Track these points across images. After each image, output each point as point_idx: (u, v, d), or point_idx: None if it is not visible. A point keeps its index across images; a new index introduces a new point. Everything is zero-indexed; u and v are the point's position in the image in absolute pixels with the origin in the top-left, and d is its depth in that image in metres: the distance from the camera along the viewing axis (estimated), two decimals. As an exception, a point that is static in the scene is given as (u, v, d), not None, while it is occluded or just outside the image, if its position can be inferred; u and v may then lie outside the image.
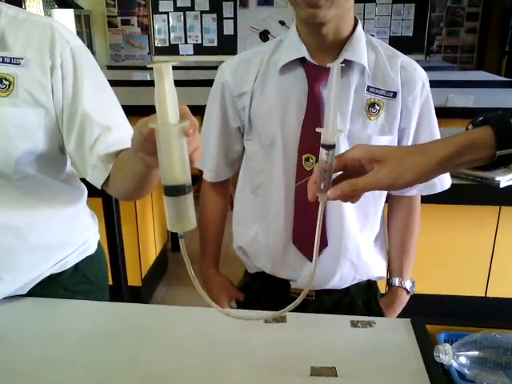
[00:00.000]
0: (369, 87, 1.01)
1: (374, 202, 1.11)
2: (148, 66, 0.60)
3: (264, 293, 1.18)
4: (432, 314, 0.95)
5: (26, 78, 0.88)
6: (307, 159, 1.03)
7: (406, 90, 1.02)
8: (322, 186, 0.73)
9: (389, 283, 1.23)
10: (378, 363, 0.81)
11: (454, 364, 0.75)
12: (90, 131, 0.92)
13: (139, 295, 2.47)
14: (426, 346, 0.82)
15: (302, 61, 1.01)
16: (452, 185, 1.84)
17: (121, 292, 2.22)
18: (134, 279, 2.40)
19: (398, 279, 1.21)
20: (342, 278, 1.11)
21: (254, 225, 1.15)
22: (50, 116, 0.92)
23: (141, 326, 0.93)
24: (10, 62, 0.88)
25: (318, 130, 0.73)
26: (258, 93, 1.04)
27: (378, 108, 1.01)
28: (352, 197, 0.73)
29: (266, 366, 0.81)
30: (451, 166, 0.70)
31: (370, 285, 1.20)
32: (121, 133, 0.94)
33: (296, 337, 0.88)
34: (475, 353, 0.75)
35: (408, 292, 1.21)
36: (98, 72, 0.98)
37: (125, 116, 1.00)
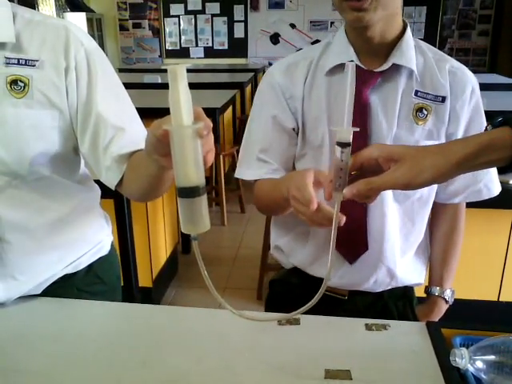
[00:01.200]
0: (417, 91, 1.00)
1: (421, 208, 1.08)
2: (162, 67, 0.61)
3: (300, 287, 1.16)
4: (444, 318, 0.94)
5: (41, 79, 0.89)
6: None
7: (455, 94, 1.01)
8: (338, 185, 0.73)
9: (428, 292, 1.20)
10: (393, 367, 0.80)
11: (471, 368, 0.74)
12: (103, 132, 0.93)
13: (150, 296, 2.48)
14: (442, 350, 0.81)
15: None
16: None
17: (132, 293, 2.23)
18: (144, 280, 2.41)
19: (438, 288, 1.18)
20: (377, 282, 1.10)
21: (294, 225, 1.14)
22: (65, 117, 0.93)
23: (155, 327, 0.93)
24: (26, 64, 0.88)
25: (332, 128, 0.72)
26: (308, 96, 1.04)
27: (425, 113, 1.00)
28: (368, 196, 0.73)
29: (280, 368, 0.81)
30: (469, 166, 0.69)
31: (407, 291, 1.18)
32: (134, 134, 0.95)
33: (310, 339, 0.88)
34: (492, 357, 0.74)
35: (447, 302, 1.19)
36: (112, 73, 0.98)
37: (138, 117, 1.00)
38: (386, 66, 0.98)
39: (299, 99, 1.04)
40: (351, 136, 0.71)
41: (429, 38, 7.02)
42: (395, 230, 1.07)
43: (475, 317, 2.11)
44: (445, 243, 1.17)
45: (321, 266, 1.11)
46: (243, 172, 1.09)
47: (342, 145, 0.71)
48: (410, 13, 6.98)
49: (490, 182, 1.09)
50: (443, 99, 1.00)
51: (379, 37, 0.97)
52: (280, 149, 1.06)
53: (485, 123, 1.05)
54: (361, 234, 1.06)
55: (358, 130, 0.99)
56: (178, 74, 0.59)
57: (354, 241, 1.06)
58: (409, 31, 1.01)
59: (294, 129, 1.06)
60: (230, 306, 0.77)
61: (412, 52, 0.99)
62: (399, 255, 1.09)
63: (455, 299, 2.12)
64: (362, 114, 0.99)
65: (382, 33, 0.97)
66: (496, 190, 1.11)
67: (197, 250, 0.69)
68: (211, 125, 0.63)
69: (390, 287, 1.13)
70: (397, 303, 1.16)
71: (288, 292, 1.20)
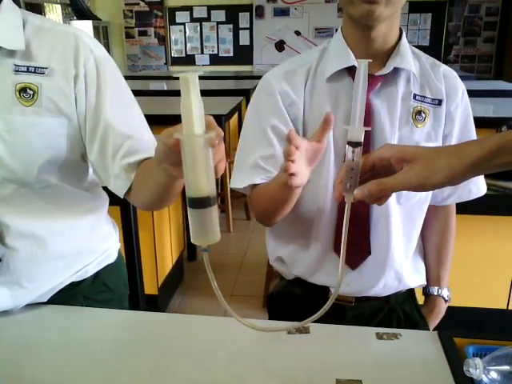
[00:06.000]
0: (415, 95, 1.02)
1: (420, 209, 1.09)
2: (174, 75, 0.60)
3: (303, 298, 1.16)
4: (452, 326, 0.93)
5: (50, 87, 0.89)
6: None
7: (450, 97, 1.03)
8: (348, 186, 0.72)
9: (426, 292, 1.22)
10: (405, 376, 0.79)
11: (485, 379, 0.73)
12: (112, 141, 0.92)
13: (156, 304, 2.47)
14: (455, 360, 0.80)
15: (349, 69, 1.00)
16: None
17: (137, 300, 2.22)
18: (150, 288, 2.40)
19: (435, 288, 1.20)
20: (386, 286, 1.10)
21: (294, 235, 1.13)
22: (73, 125, 0.92)
23: (162, 335, 0.92)
24: (35, 72, 0.88)
25: (345, 127, 0.72)
26: (309, 103, 1.03)
27: (424, 116, 1.02)
28: (379, 198, 0.71)
29: (290, 377, 0.79)
30: (484, 168, 0.67)
31: (410, 293, 1.19)
32: (143, 142, 0.94)
33: (320, 348, 0.87)
34: (506, 367, 0.73)
35: (446, 301, 1.20)
36: (121, 81, 0.98)
37: (147, 125, 1.00)
38: (387, 70, 0.99)
39: (300, 106, 1.03)
40: (363, 135, 0.70)
41: (434, 44, 7.01)
42: (399, 233, 1.07)
43: (484, 325, 2.09)
44: (439, 243, 1.19)
45: (324, 274, 1.10)
46: (240, 180, 1.05)
47: (354, 144, 0.70)
48: (415, 20, 6.97)
49: (479, 181, 1.11)
50: (440, 102, 1.02)
51: (381, 39, 0.98)
52: (280, 158, 1.03)
53: (473, 125, 1.09)
54: (364, 239, 1.05)
55: (369, 129, 0.99)
56: (190, 82, 0.58)
57: (356, 245, 1.05)
58: (405, 37, 1.03)
59: None
60: (237, 316, 0.76)
61: (410, 56, 1.01)
62: (404, 257, 1.09)
63: (463, 307, 2.10)
64: (365, 118, 1.00)
65: (385, 36, 0.98)
66: (484, 189, 1.13)
67: (207, 261, 0.67)
68: (222, 134, 0.62)
69: (397, 291, 1.13)
70: (403, 306, 1.16)
71: (292, 303, 1.18)
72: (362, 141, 0.70)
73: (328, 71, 1.01)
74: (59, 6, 7.19)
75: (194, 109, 0.58)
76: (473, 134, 1.09)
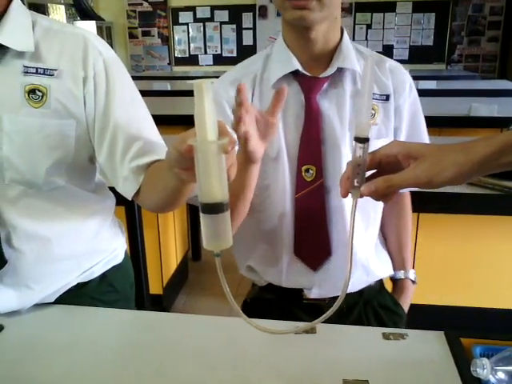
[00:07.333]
0: None
1: (374, 202, 1.10)
2: (188, 82, 0.60)
3: (276, 302, 1.17)
4: (458, 327, 0.93)
5: (59, 89, 0.89)
6: (307, 170, 1.03)
7: (397, 91, 1.04)
8: (356, 182, 0.70)
9: (393, 278, 1.24)
10: (412, 377, 0.79)
11: (492, 379, 0.73)
12: (121, 143, 0.92)
13: (160, 303, 2.48)
14: (462, 360, 0.80)
15: (294, 74, 1.01)
16: (478, 195, 1.82)
17: (142, 300, 2.23)
18: (155, 287, 2.41)
19: (402, 272, 1.23)
20: (355, 282, 1.11)
21: (258, 242, 1.13)
22: (82, 127, 0.92)
23: (169, 336, 0.93)
24: (44, 73, 0.88)
25: (352, 121, 0.71)
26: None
27: (373, 112, 1.02)
28: (386, 195, 0.71)
29: (296, 378, 0.80)
30: (491, 166, 0.66)
31: (380, 283, 1.21)
32: (152, 144, 0.94)
33: (326, 348, 0.87)
34: (514, 368, 0.73)
35: (413, 282, 1.23)
36: (130, 83, 0.98)
37: (155, 126, 0.99)
38: (331, 71, 0.99)
39: None
40: (370, 131, 0.70)
41: (438, 44, 7.00)
42: (357, 228, 1.05)
43: (491, 325, 2.09)
44: (397, 229, 1.22)
45: (296, 276, 1.11)
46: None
47: (361, 140, 0.69)
48: (418, 19, 6.96)
49: None
50: (387, 97, 1.04)
51: (322, 40, 0.98)
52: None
53: (424, 120, 1.10)
54: (323, 240, 1.06)
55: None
56: (204, 89, 0.58)
57: (316, 247, 1.07)
58: (346, 35, 1.03)
59: None
60: (245, 316, 0.76)
61: (353, 54, 1.02)
62: (367, 251, 1.11)
63: (470, 307, 2.10)
64: (314, 120, 1.01)
65: (325, 37, 0.98)
66: None
67: (219, 266, 0.67)
68: (236, 140, 0.62)
69: (367, 284, 1.15)
70: (377, 297, 1.18)
71: (266, 309, 1.18)
72: (370, 136, 0.70)
73: (273, 77, 1.01)
74: (63, 6, 7.22)
75: (208, 115, 0.58)
76: (422, 127, 1.10)
